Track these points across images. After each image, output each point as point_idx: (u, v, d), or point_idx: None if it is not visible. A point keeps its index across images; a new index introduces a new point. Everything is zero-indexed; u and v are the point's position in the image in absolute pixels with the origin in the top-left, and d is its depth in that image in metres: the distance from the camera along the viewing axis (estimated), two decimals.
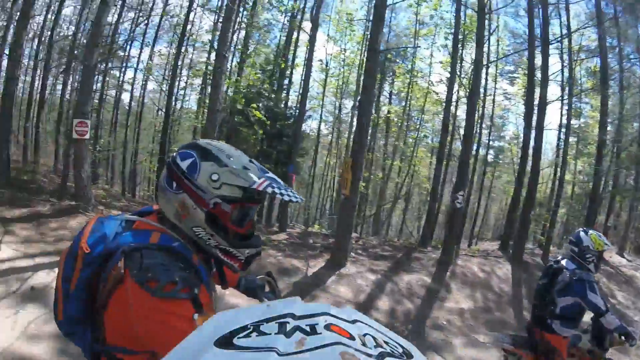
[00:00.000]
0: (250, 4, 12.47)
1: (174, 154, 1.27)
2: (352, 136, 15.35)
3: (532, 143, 10.46)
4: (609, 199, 13.21)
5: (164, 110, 13.72)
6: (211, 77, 8.84)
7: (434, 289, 7.54)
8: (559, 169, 13.03)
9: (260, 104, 11.06)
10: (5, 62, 10.11)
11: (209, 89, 10.68)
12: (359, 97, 7.74)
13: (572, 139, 13.91)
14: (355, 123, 9.23)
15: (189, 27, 13.76)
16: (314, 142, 16.20)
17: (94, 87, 14.66)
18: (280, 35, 14.20)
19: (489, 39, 13.92)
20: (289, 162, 10.16)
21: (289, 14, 13.11)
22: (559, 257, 3.57)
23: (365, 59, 8.73)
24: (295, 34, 13.47)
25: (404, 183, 14.48)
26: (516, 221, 10.97)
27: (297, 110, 10.94)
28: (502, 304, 7.62)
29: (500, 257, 10.04)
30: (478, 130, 14.16)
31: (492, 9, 12.06)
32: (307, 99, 10.66)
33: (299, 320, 0.39)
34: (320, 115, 16.17)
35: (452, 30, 12.31)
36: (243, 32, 12.87)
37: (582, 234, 3.46)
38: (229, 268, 1.32)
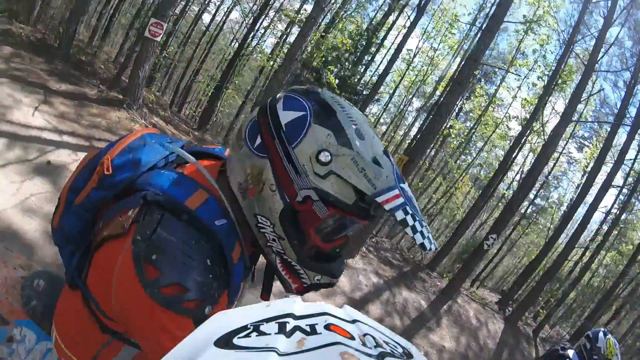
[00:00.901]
0: None
1: (278, 95, 0.86)
2: (409, 134, 15.07)
3: (576, 217, 9.91)
4: (620, 303, 12.54)
5: (239, 41, 13.62)
6: (300, 25, 8.62)
7: (426, 317, 7.41)
8: (587, 253, 12.37)
9: (336, 70, 10.78)
10: None
11: (290, 38, 10.50)
12: (434, 99, 7.41)
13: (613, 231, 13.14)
14: (417, 124, 8.95)
15: None
16: (372, 126, 15.83)
17: None
18: (378, 11, 13.76)
19: (586, 98, 13.14)
20: None
21: None
22: (567, 346, 3.46)
23: (454, 65, 8.32)
24: (394, 16, 13.03)
25: (438, 201, 14.09)
26: (525, 285, 10.59)
27: (370, 89, 10.58)
28: (481, 357, 7.45)
29: (497, 312, 9.77)
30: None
31: (596, 69, 11.36)
32: (382, 84, 10.34)
33: (299, 320, 0.39)
34: (387, 103, 15.75)
35: (549, 73, 11.67)
36: None
37: (601, 334, 3.35)
38: (283, 283, 0.93)
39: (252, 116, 0.86)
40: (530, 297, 9.93)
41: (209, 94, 13.69)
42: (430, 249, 0.82)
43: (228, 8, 15.03)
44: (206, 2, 15.19)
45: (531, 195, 15.31)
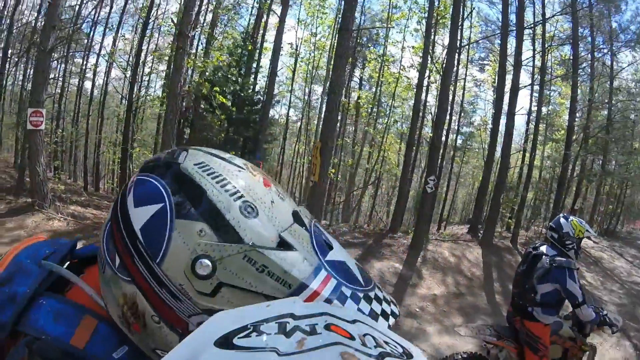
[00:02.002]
0: None
1: (131, 179, 0.64)
2: (321, 121, 15.29)
3: (501, 129, 10.59)
4: (576, 183, 13.58)
5: (127, 97, 13.14)
6: (173, 61, 8.44)
7: (406, 276, 7.54)
8: (527, 154, 13.32)
9: (227, 89, 10.69)
10: None
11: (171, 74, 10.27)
12: (329, 80, 7.53)
13: (540, 126, 14.25)
14: (324, 107, 9.07)
15: (154, 10, 13.21)
16: (283, 128, 15.93)
17: (55, 75, 14.00)
18: (250, 19, 13.81)
19: (462, 25, 13.97)
20: (256, 149, 9.89)
21: None
22: (538, 244, 3.51)
23: (336, 41, 8.49)
24: (265, 17, 13.11)
25: (374, 169, 14.45)
26: (485, 205, 11.13)
27: (264, 95, 10.60)
28: (474, 289, 7.71)
29: (470, 241, 10.17)
30: (448, 116, 14.29)
31: None
32: (274, 84, 10.37)
33: (299, 320, 0.38)
34: (289, 100, 15.92)
35: (426, 15, 12.27)
36: (210, 16, 12.47)
37: (562, 220, 3.38)
38: None
39: (107, 217, 0.64)
40: (493, 213, 10.46)
41: (118, 160, 13.11)
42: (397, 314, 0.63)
43: (106, 68, 14.49)
44: (83, 70, 14.54)
45: (455, 127, 16.18)
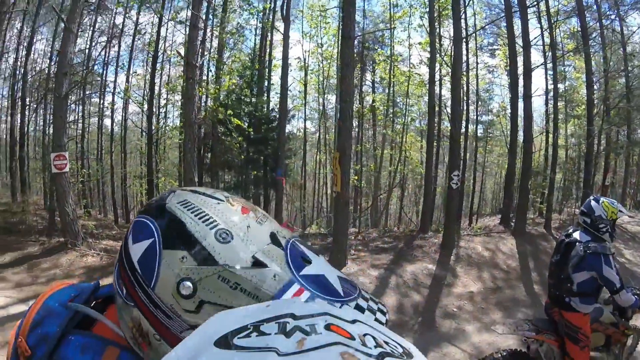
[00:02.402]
0: (220, 11, 12.29)
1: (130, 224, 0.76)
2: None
3: (520, 112, 10.32)
4: (603, 158, 13.05)
5: (146, 130, 13.52)
6: (183, 91, 8.64)
7: (440, 276, 7.40)
8: (550, 135, 12.90)
9: (242, 111, 10.86)
10: None
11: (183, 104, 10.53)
12: (339, 89, 7.55)
13: (560, 104, 13.80)
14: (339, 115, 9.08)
15: (161, 43, 13.60)
16: (302, 141, 16.01)
17: (75, 117, 14.59)
18: (255, 39, 14.03)
19: (465, 13, 13.80)
20: (277, 166, 9.95)
21: (261, 15, 12.95)
22: (571, 230, 3.34)
23: (340, 48, 8.51)
24: (269, 36, 13.31)
25: (397, 170, 14.31)
26: (514, 193, 10.84)
27: (279, 112, 10.70)
28: (511, 281, 7.49)
29: (503, 231, 9.91)
30: (465, 107, 14.02)
31: None
32: (287, 99, 10.48)
33: (299, 320, 0.38)
34: (305, 113, 15.99)
35: (427, 10, 12.17)
36: (216, 42, 12.74)
37: (593, 202, 3.22)
38: None
39: (117, 257, 0.76)
40: (522, 201, 10.17)
41: (145, 192, 13.46)
42: (383, 322, 0.65)
43: (123, 105, 14.95)
44: (101, 109, 15.06)
45: (473, 117, 15.85)
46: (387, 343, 0.38)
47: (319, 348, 0.33)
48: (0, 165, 14.14)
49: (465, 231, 10.19)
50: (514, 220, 10.43)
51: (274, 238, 0.68)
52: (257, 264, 0.64)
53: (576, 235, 3.22)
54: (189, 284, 0.63)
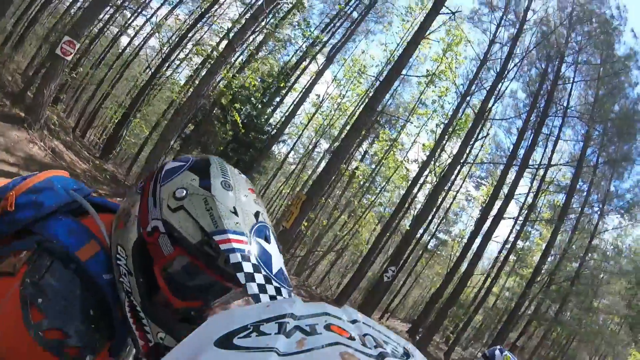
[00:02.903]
0: (280, 16, 12.61)
1: None
2: (314, 176, 15.63)
3: (474, 247, 10.95)
4: (525, 321, 13.69)
5: (152, 69, 13.33)
6: (211, 63, 8.75)
7: None
8: (489, 279, 13.59)
9: (244, 109, 10.98)
10: None
11: (203, 72, 10.56)
12: (337, 143, 7.88)
13: (511, 257, 14.63)
14: (323, 164, 9.35)
15: (215, 8, 13.70)
16: (277, 165, 16.21)
17: (100, 17, 14.19)
18: (293, 56, 14.41)
19: (474, 143, 14.82)
20: (244, 174, 9.95)
21: (310, 40, 13.38)
22: None
23: (358, 113, 8.94)
24: (306, 61, 13.68)
25: (344, 238, 14.62)
26: (433, 312, 11.25)
27: (275, 129, 10.90)
28: None
29: (407, 339, 10.12)
30: (430, 218, 14.72)
31: (489, 117, 13.02)
32: (289, 124, 10.71)
33: (299, 320, 0.39)
34: (294, 143, 16.31)
35: (446, 121, 12.98)
36: (260, 37, 12.95)
37: (497, 352, 3.29)
38: (131, 340, 0.84)
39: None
40: (437, 322, 10.55)
41: (116, 121, 13.08)
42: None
43: (147, 34, 14.72)
44: (126, 25, 14.74)
45: (433, 230, 16.61)
46: (387, 343, 0.39)
47: (319, 348, 0.34)
48: (11, 11, 13.37)
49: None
50: (420, 335, 10.79)
51: (256, 214, 0.82)
52: (234, 212, 0.78)
53: None
54: (183, 191, 0.78)
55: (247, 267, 0.74)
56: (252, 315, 0.40)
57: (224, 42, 12.19)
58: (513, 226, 14.05)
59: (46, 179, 0.95)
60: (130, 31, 14.84)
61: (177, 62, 14.47)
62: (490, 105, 11.38)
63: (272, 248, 0.80)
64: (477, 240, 11.33)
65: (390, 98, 15.94)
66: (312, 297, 9.49)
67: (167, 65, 13.64)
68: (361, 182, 15.24)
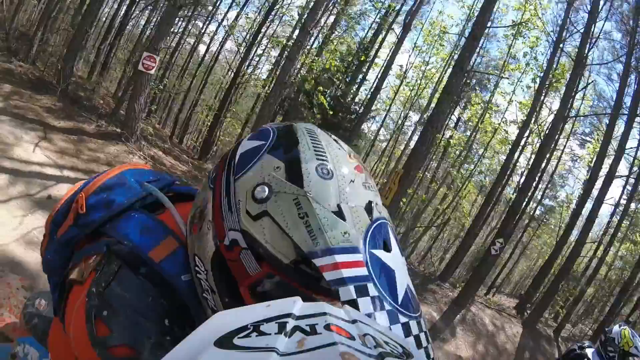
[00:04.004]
0: None
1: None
2: (407, 150, 15.12)
3: (584, 213, 9.85)
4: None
5: (234, 70, 13.95)
6: (289, 51, 8.84)
7: (439, 328, 7.30)
8: (600, 247, 12.19)
9: (329, 91, 10.99)
10: None
11: (282, 62, 10.74)
12: (430, 111, 7.48)
13: (624, 222, 12.94)
14: (416, 137, 8.98)
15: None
16: (369, 143, 15.96)
17: (174, 30, 15.23)
18: (368, 31, 14.04)
19: (574, 95, 13.20)
20: None
21: (383, 11, 12.93)
22: (586, 344, 3.17)
23: (447, 77, 8.39)
24: (383, 33, 13.27)
25: (444, 211, 14.01)
26: (542, 287, 10.40)
27: (363, 108, 10.72)
28: None
29: (514, 316, 9.58)
30: (535, 184, 13.49)
31: (585, 62, 11.48)
32: (375, 100, 10.47)
33: (299, 320, 0.38)
34: (383, 119, 15.92)
35: (541, 74, 11.73)
36: (332, 18, 12.86)
37: (616, 326, 3.08)
38: None
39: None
40: (547, 298, 9.78)
41: (209, 124, 13.94)
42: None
43: (222, 38, 15.45)
44: (201, 34, 15.64)
45: (538, 197, 15.21)
46: (387, 343, 0.38)
47: (319, 348, 0.33)
48: (91, 44, 15.01)
49: (480, 299, 9.93)
50: (528, 311, 10.05)
51: (368, 206, 0.62)
52: (338, 213, 0.59)
53: (588, 351, 3.06)
54: (265, 189, 0.60)
55: (365, 306, 0.55)
56: (253, 315, 0.40)
57: (297, 31, 12.32)
58: (624, 186, 12.41)
59: (118, 174, 0.86)
60: (206, 38, 15.74)
61: (257, 59, 15.00)
62: (586, 51, 9.94)
63: (395, 259, 0.61)
64: (588, 205, 10.11)
65: (478, 57, 14.84)
66: (415, 274, 9.26)
67: (247, 63, 14.19)
68: (457, 152, 14.37)
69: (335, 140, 0.70)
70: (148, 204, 0.83)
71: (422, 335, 0.58)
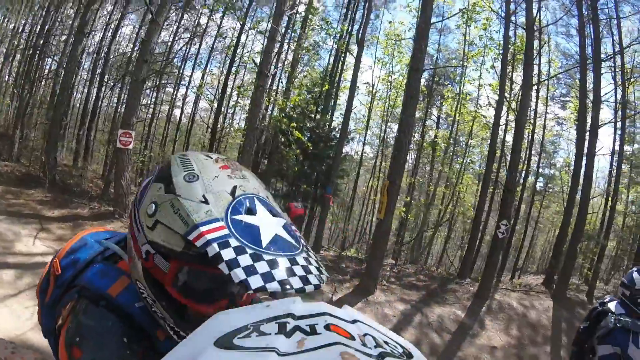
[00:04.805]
0: (299, 27, 12.83)
1: None
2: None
3: (582, 170, 9.82)
4: None
5: (211, 127, 14.26)
6: (251, 97, 9.12)
7: (467, 324, 7.18)
8: (609, 199, 12.08)
9: (304, 125, 11.21)
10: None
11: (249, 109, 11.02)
12: (399, 119, 7.63)
13: (624, 167, 12.88)
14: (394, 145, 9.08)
15: (240, 49, 14.37)
16: (357, 164, 16.13)
17: (147, 102, 15.68)
18: (329, 58, 14.43)
19: (539, 59, 13.42)
20: (327, 183, 10.14)
21: (337, 37, 13.32)
22: (607, 299, 3.07)
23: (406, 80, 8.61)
24: (342, 57, 13.62)
25: (447, 209, 13.95)
26: (563, 254, 10.25)
27: (340, 132, 10.94)
28: (538, 343, 7.16)
29: (543, 292, 9.43)
30: (527, 157, 13.48)
31: (541, 26, 11.73)
32: (349, 121, 10.67)
33: (299, 320, 0.39)
34: (364, 137, 16.12)
35: (501, 51, 11.97)
36: (292, 55, 13.25)
37: (635, 274, 2.94)
38: None
39: None
40: (568, 264, 9.60)
41: None
42: (259, 288, 0.65)
43: (194, 99, 15.86)
44: (173, 100, 16.06)
45: (535, 168, 15.17)
46: (387, 343, 0.39)
47: (319, 348, 0.34)
48: (70, 132, 15.38)
49: (505, 285, 9.77)
50: (555, 283, 9.87)
51: (232, 190, 0.79)
52: (204, 201, 0.76)
53: (611, 305, 2.97)
54: (153, 206, 0.80)
55: (228, 254, 0.68)
56: (253, 315, 0.40)
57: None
58: (614, 132, 12.44)
59: (80, 238, 1.08)
60: (179, 104, 16.16)
61: (231, 111, 15.36)
62: (535, 14, 10.16)
63: (260, 218, 0.76)
64: (583, 163, 10.10)
65: (437, 52, 15.19)
66: (432, 278, 9.16)
67: (222, 118, 14.52)
68: (444, 148, 14.49)
69: (206, 155, 0.89)
70: (108, 256, 1.02)
71: (297, 267, 0.70)
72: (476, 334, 6.96)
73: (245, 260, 0.68)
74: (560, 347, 7.02)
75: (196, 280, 0.81)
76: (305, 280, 0.69)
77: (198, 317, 0.81)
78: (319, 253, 9.35)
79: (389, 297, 7.34)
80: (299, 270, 0.70)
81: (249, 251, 0.69)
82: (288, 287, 0.66)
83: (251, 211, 0.77)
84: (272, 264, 0.69)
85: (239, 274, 0.66)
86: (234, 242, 0.70)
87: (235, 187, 0.80)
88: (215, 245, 0.69)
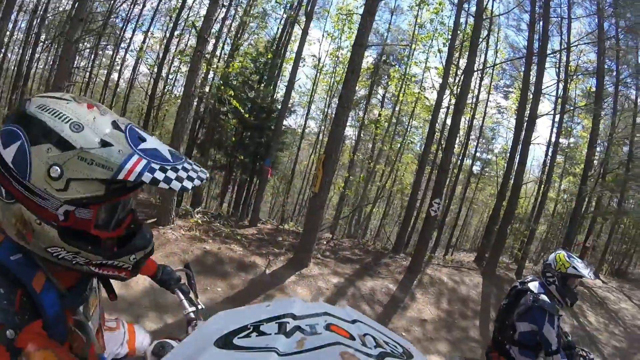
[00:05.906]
0: None
1: None
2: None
3: (518, 157, 10.39)
4: (590, 220, 13.12)
5: (150, 93, 13.49)
6: (189, 62, 8.65)
7: (398, 297, 7.42)
8: (542, 186, 13.00)
9: (245, 95, 10.86)
10: None
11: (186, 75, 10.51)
12: (340, 94, 7.55)
13: (559, 158, 13.86)
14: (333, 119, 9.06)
15: (184, 12, 13.58)
16: (299, 137, 16.03)
17: (85, 64, 14.56)
18: (277, 28, 14.01)
19: (486, 49, 13.87)
20: (266, 155, 9.96)
21: (288, 6, 12.92)
22: (529, 279, 3.28)
23: (350, 55, 8.53)
24: (291, 28, 13.26)
25: (385, 186, 14.32)
26: (494, 234, 10.89)
27: (282, 103, 10.72)
28: (467, 317, 7.52)
29: (474, 269, 9.96)
30: (465, 141, 14.08)
31: (492, 15, 12.10)
32: (291, 92, 10.43)
33: (299, 320, 0.39)
34: (308, 111, 16.01)
35: (450, 37, 12.21)
36: (238, 21, 12.72)
37: (552, 254, 3.20)
38: (114, 279, 0.98)
39: None
40: (498, 243, 10.19)
41: None
42: (190, 188, 0.85)
43: (134, 63, 14.92)
44: (112, 63, 15.01)
45: (473, 152, 15.95)
46: (387, 343, 0.39)
47: (319, 348, 0.33)
48: (2, 96, 14.25)
49: (437, 260, 10.24)
50: (485, 260, 10.50)
51: (115, 125, 0.86)
52: (105, 144, 0.82)
53: (531, 285, 3.15)
54: (56, 167, 0.79)
55: (159, 175, 0.82)
56: (253, 315, 0.40)
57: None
58: (552, 124, 13.35)
59: None
60: (118, 68, 15.12)
61: (172, 77, 14.60)
62: (486, 3, 10.41)
63: (150, 141, 0.88)
64: (519, 149, 10.69)
65: (387, 32, 15.24)
66: (367, 252, 9.39)
67: (162, 84, 13.78)
68: (386, 127, 14.72)
69: (58, 97, 0.87)
70: None
71: (195, 167, 0.90)
72: (407, 306, 7.21)
73: (171, 174, 0.84)
74: (489, 321, 7.42)
75: (111, 213, 0.92)
76: (203, 173, 0.90)
77: (115, 244, 0.97)
78: (255, 226, 9.22)
79: (322, 270, 7.40)
80: (196, 169, 0.89)
81: (168, 167, 0.84)
82: (201, 181, 0.87)
83: (142, 138, 0.88)
84: (185, 170, 0.87)
85: (175, 185, 0.82)
86: (156, 166, 0.83)
87: (115, 122, 0.87)
88: (147, 174, 0.82)
